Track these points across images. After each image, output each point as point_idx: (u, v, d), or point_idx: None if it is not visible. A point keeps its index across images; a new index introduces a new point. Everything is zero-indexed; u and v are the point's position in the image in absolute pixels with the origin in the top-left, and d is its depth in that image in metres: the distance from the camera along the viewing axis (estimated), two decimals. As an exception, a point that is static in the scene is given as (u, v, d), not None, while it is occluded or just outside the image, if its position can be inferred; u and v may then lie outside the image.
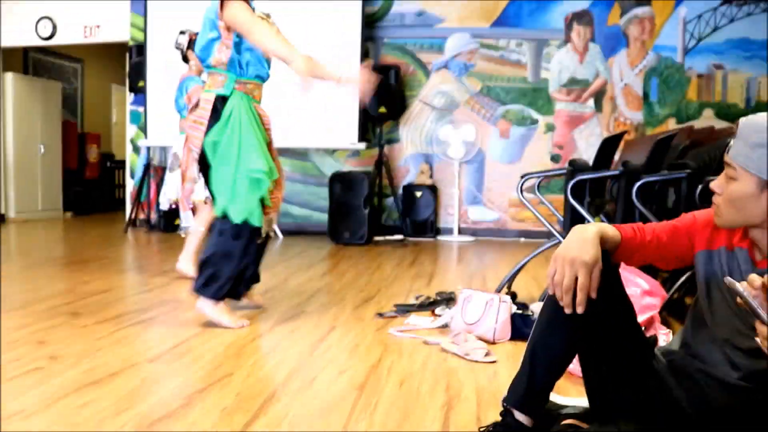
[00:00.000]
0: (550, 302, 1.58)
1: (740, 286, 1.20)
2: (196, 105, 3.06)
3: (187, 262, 4.24)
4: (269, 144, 3.15)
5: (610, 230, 1.59)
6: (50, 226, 8.27)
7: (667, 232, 1.66)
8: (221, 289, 3.00)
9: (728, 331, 1.51)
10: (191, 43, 4.11)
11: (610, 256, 1.59)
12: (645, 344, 1.70)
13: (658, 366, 1.63)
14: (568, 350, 1.63)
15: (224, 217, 2.98)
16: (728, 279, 1.24)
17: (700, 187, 3.11)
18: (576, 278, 1.45)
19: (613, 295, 1.58)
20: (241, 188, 2.96)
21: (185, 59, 4.34)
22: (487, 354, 2.54)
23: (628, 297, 1.65)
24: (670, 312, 3.22)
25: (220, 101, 3.00)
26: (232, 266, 2.99)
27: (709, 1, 6.98)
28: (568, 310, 1.47)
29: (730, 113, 6.98)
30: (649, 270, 3.05)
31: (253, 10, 2.99)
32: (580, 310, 1.46)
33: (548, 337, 1.61)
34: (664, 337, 2.54)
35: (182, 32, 4.19)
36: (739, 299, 1.20)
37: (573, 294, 1.46)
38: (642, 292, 2.65)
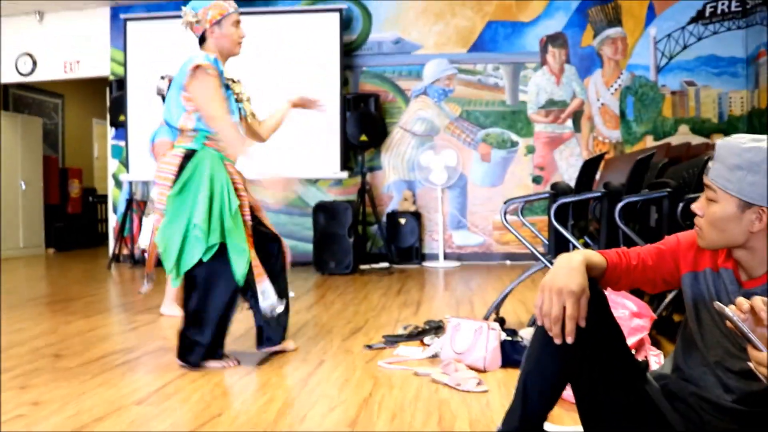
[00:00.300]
0: (540, 332, 1.57)
1: (729, 311, 1.20)
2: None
3: (169, 305, 4.24)
4: (243, 208, 2.96)
5: (596, 257, 1.59)
6: (32, 263, 8.17)
7: (652, 255, 1.67)
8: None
9: (719, 353, 1.52)
10: None
11: (597, 282, 1.59)
12: (637, 369, 1.69)
13: (652, 390, 1.63)
14: (561, 378, 1.62)
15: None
16: (717, 304, 1.24)
17: (681, 205, 3.13)
18: (564, 308, 1.45)
19: (601, 321, 1.57)
20: (186, 244, 2.83)
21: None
22: (478, 383, 2.52)
23: (616, 322, 1.64)
24: (659, 331, 3.22)
25: (189, 157, 2.89)
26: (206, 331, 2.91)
27: (677, 20, 7.13)
28: (557, 341, 1.47)
29: (704, 128, 7.11)
30: (635, 290, 3.06)
31: (221, 74, 2.93)
32: (569, 340, 1.45)
33: (540, 366, 1.59)
34: (655, 359, 2.54)
35: (162, 77, 4.07)
36: (728, 323, 1.20)
37: (562, 323, 1.46)
38: (630, 314, 2.65)
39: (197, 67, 2.83)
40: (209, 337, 2.91)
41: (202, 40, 3.03)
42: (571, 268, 1.49)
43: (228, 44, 3.02)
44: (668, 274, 1.67)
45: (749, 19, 6.97)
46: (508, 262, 7.17)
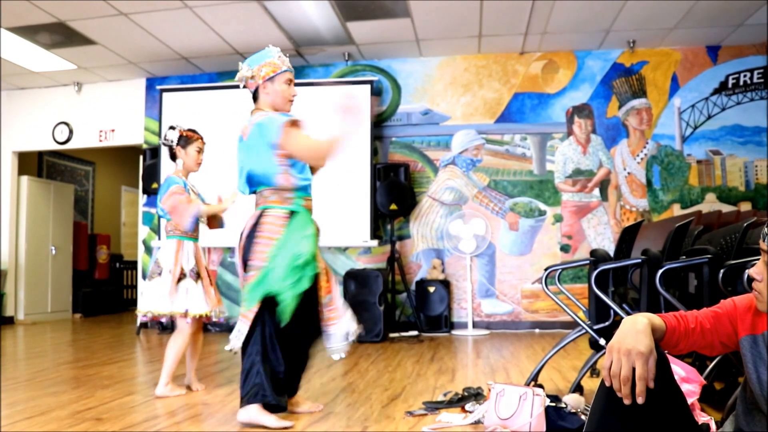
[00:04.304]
0: (604, 393, 1.59)
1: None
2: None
3: (164, 387, 3.89)
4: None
5: (656, 319, 1.62)
6: (59, 327, 8.22)
7: (709, 318, 1.69)
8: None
9: (784, 415, 1.52)
10: (180, 140, 3.98)
11: (658, 344, 1.61)
12: (699, 431, 1.69)
13: (715, 454, 1.62)
14: (625, 441, 1.62)
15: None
16: None
17: (722, 271, 3.13)
18: (633, 369, 1.47)
19: (665, 383, 1.59)
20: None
21: (173, 157, 4.04)
22: (526, 449, 2.50)
23: (677, 384, 1.66)
24: (700, 399, 3.18)
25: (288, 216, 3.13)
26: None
27: (701, 91, 7.26)
28: (627, 401, 1.48)
29: (731, 196, 7.13)
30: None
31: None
32: (640, 400, 1.46)
33: (605, 426, 1.60)
34: (706, 425, 2.50)
35: (172, 127, 4.03)
36: None
37: (630, 384, 1.47)
38: (680, 379, 2.63)
39: (292, 123, 3.11)
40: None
41: (256, 96, 3.21)
42: (637, 330, 1.52)
43: (279, 101, 3.20)
44: (726, 337, 1.68)
45: (773, 90, 7.10)
46: (537, 331, 7.11)
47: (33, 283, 8.94)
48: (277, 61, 3.19)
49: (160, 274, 3.87)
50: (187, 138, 3.98)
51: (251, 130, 3.12)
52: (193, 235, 3.97)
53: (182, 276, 3.85)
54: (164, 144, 4.05)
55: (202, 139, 4.04)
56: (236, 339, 3.08)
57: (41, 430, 2.99)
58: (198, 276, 3.91)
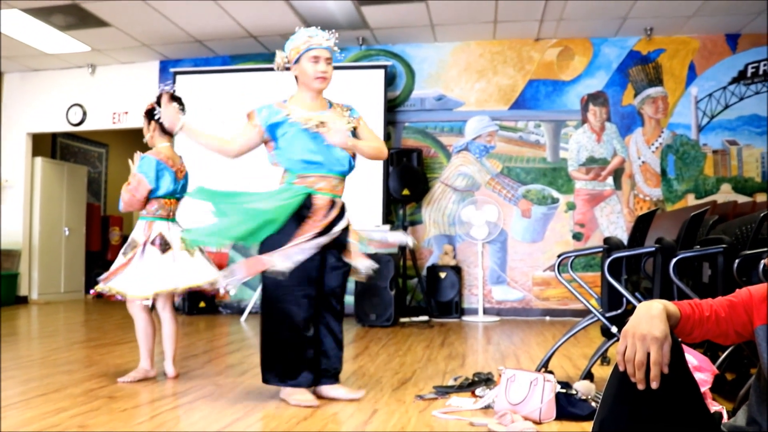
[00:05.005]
0: (617, 379, 1.58)
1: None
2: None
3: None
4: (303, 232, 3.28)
5: (671, 306, 1.60)
6: (72, 308, 8.29)
7: (724, 307, 1.68)
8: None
9: (799, 405, 1.51)
10: (150, 112, 3.90)
11: (672, 331, 1.60)
12: (711, 420, 1.68)
13: (727, 443, 1.62)
14: (637, 427, 1.61)
15: None
16: None
17: (737, 261, 3.11)
18: (647, 354, 1.46)
19: (678, 370, 1.58)
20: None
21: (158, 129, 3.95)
22: (537, 435, 2.50)
23: (691, 372, 1.65)
24: (712, 389, 3.17)
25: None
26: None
27: (719, 80, 7.18)
28: (641, 386, 1.47)
29: (747, 186, 7.07)
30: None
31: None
32: (654, 385, 1.46)
33: (617, 412, 1.59)
34: (719, 413, 2.49)
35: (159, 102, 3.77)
36: None
37: (644, 369, 1.47)
38: (692, 368, 2.62)
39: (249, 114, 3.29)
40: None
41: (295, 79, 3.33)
42: (652, 315, 1.51)
43: (307, 79, 3.26)
44: (741, 327, 1.67)
45: (792, 80, 7.01)
46: (547, 318, 7.11)
47: (46, 264, 9.01)
48: (300, 44, 3.23)
49: (128, 253, 3.73)
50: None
51: None
52: (165, 215, 3.82)
53: (151, 254, 3.67)
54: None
55: (179, 103, 3.75)
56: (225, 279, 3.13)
57: (55, 407, 3.02)
58: (165, 251, 3.70)
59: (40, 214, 8.91)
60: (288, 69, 3.31)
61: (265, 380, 3.20)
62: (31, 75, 8.70)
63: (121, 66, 8.42)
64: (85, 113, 8.52)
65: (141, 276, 3.63)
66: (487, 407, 2.98)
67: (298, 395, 3.11)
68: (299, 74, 3.27)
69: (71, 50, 7.85)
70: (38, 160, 8.96)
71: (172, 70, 7.89)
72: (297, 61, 3.24)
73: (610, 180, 7.28)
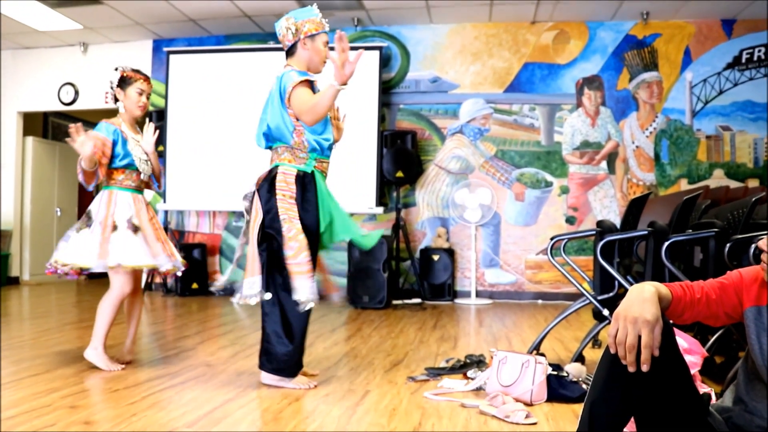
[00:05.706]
0: (608, 360, 1.59)
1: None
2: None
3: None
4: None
5: (663, 288, 1.61)
6: (64, 288, 8.27)
7: (715, 289, 1.69)
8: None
9: (786, 386, 1.52)
10: (120, 81, 3.64)
11: (663, 314, 1.61)
12: (700, 401, 1.69)
13: (715, 423, 1.63)
14: (627, 408, 1.63)
15: None
16: None
17: (728, 245, 3.12)
18: (639, 337, 1.47)
19: (669, 352, 1.59)
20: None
21: (115, 100, 3.72)
22: (527, 416, 2.51)
23: (681, 354, 1.66)
24: (701, 371, 3.19)
25: (301, 177, 3.13)
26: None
27: (714, 66, 7.16)
28: (632, 369, 1.48)
29: (739, 172, 7.08)
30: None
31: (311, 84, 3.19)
32: (645, 368, 1.46)
33: (607, 394, 1.60)
34: (708, 395, 2.51)
35: (116, 69, 3.69)
36: None
37: (635, 352, 1.47)
38: (682, 350, 2.63)
39: (304, 82, 3.08)
40: None
41: (291, 51, 3.19)
42: (644, 298, 1.51)
43: (316, 59, 3.20)
44: (731, 308, 1.68)
45: (787, 65, 7.00)
46: (539, 302, 7.13)
47: (38, 244, 8.97)
48: (321, 21, 3.19)
49: (89, 226, 3.55)
50: (127, 78, 3.61)
51: (274, 83, 3.13)
52: (133, 186, 3.67)
53: (115, 228, 3.52)
54: (111, 88, 3.71)
55: (145, 79, 3.66)
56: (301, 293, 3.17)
57: (47, 387, 3.02)
58: (136, 228, 3.57)
59: (31, 194, 8.87)
60: (282, 39, 3.19)
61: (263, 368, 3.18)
62: (22, 53, 8.62)
63: (114, 45, 8.34)
64: (77, 92, 8.45)
65: (122, 248, 3.50)
66: (479, 389, 2.99)
67: (297, 378, 3.12)
68: (309, 50, 3.17)
69: (63, 28, 7.76)
70: (29, 139, 8.90)
71: (165, 49, 7.82)
72: (312, 36, 3.15)
73: (603, 164, 7.28)
